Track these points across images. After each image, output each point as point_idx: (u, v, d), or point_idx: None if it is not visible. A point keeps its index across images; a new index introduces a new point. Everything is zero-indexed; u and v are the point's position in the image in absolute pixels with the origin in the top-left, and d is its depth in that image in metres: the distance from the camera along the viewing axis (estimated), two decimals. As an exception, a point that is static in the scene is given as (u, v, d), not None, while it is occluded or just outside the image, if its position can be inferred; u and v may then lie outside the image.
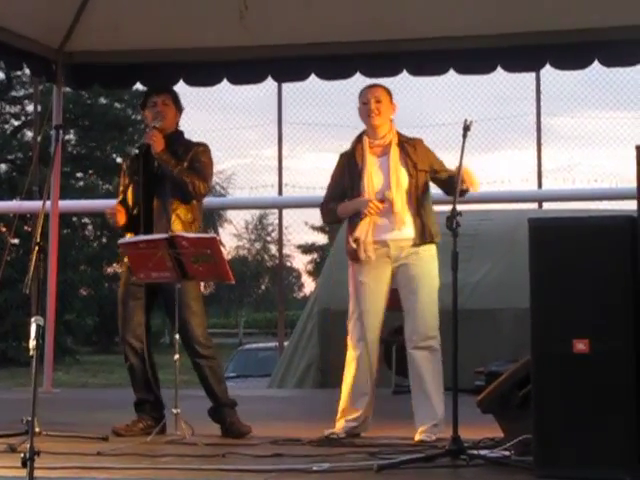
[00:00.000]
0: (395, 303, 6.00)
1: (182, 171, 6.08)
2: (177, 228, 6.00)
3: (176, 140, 6.24)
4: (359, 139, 6.03)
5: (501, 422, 5.22)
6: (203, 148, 6.26)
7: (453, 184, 5.44)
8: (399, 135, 6.01)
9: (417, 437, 5.65)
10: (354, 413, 5.85)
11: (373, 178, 5.91)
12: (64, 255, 21.56)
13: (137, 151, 6.27)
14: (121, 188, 6.38)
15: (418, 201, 5.87)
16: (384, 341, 7.93)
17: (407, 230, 5.86)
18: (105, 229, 32.86)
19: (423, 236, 5.84)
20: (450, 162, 5.91)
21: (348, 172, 5.99)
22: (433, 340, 5.80)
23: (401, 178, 5.86)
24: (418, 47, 8.60)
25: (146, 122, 6.37)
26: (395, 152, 5.92)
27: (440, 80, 11.36)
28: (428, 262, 5.86)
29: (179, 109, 6.33)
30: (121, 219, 6.14)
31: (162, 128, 6.17)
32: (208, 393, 6.16)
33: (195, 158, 6.17)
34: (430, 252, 5.87)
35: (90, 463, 4.86)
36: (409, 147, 5.94)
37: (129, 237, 6.09)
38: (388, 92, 6.06)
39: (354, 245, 5.88)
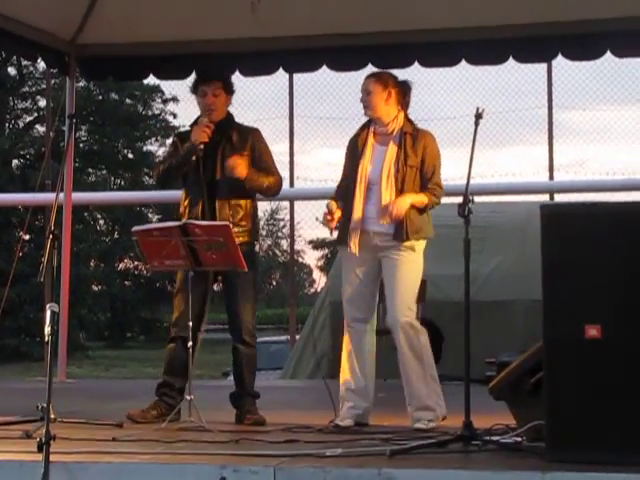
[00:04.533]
0: None
1: (265, 183, 6.19)
2: (237, 218, 6.11)
3: (228, 126, 6.27)
4: (366, 124, 6.01)
5: (513, 409, 5.24)
6: (259, 134, 6.30)
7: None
8: (407, 125, 5.93)
9: (414, 424, 5.69)
10: (352, 400, 5.86)
11: (367, 166, 5.90)
12: (76, 250, 21.66)
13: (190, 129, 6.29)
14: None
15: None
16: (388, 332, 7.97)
17: (390, 224, 5.81)
18: (116, 224, 32.98)
19: (398, 232, 5.78)
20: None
21: (350, 156, 6.01)
22: (410, 318, 5.77)
23: (392, 171, 5.83)
24: (429, 38, 8.63)
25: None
26: (393, 144, 5.90)
27: (450, 73, 11.37)
28: (409, 254, 5.80)
29: (230, 93, 6.33)
30: (205, 137, 6.11)
31: (212, 120, 6.19)
32: (237, 379, 6.25)
33: (257, 148, 6.23)
34: (412, 246, 5.80)
35: (105, 448, 4.89)
36: (409, 139, 5.87)
37: (145, 225, 6.14)
38: (380, 80, 5.92)
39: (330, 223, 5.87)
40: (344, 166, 6.07)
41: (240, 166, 6.09)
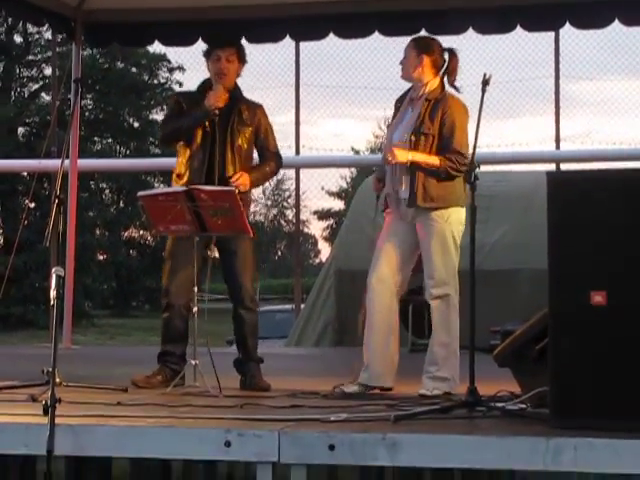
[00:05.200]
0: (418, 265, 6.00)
1: (267, 178, 6.48)
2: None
3: (238, 98, 6.29)
4: (410, 88, 6.00)
5: (517, 376, 5.26)
6: (264, 111, 6.36)
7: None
8: (435, 91, 5.86)
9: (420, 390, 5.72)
10: (365, 362, 5.86)
11: (394, 132, 5.92)
12: (81, 218, 21.66)
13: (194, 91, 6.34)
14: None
15: (415, 164, 5.77)
16: (400, 301, 7.95)
17: (404, 191, 5.83)
18: (122, 193, 32.99)
19: (410, 198, 5.77)
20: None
21: (393, 118, 6.05)
22: (445, 288, 5.77)
23: (405, 137, 5.82)
24: (437, 6, 8.59)
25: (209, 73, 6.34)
26: (416, 110, 5.88)
27: (457, 42, 11.30)
28: (438, 224, 5.77)
29: (243, 62, 6.33)
30: (220, 102, 6.14)
31: (224, 86, 6.20)
32: (240, 345, 6.27)
33: (263, 126, 6.30)
34: (441, 216, 5.78)
35: (110, 412, 4.91)
36: (430, 106, 5.82)
37: (152, 189, 6.17)
38: (416, 45, 5.91)
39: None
40: None
41: (243, 183, 6.12)
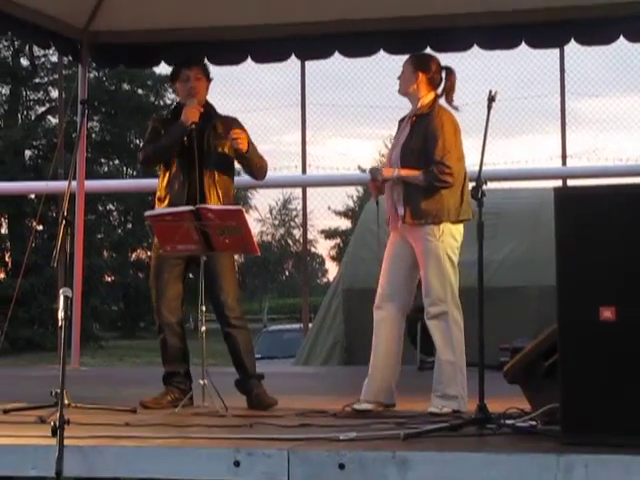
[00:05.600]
0: None
1: (260, 163, 6.31)
2: (224, 202, 6.14)
3: (211, 114, 6.34)
4: None
5: (527, 392, 5.24)
6: (240, 124, 6.37)
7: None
8: (426, 107, 5.85)
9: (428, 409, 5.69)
10: (372, 380, 5.86)
11: (393, 150, 5.95)
12: (89, 240, 21.69)
13: (169, 116, 6.39)
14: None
15: (402, 179, 5.80)
16: (407, 319, 7.96)
17: (400, 208, 5.85)
18: (129, 215, 33.01)
19: (403, 216, 5.77)
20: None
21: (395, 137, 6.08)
22: (442, 306, 5.74)
23: (399, 154, 5.84)
24: (442, 23, 8.60)
25: (178, 94, 6.46)
26: (408, 127, 5.90)
27: (462, 61, 11.33)
28: (431, 241, 5.74)
29: (209, 80, 6.41)
30: (196, 116, 6.18)
31: (199, 103, 6.27)
32: (237, 364, 6.22)
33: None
34: (432, 232, 5.75)
35: (119, 433, 4.89)
36: (418, 122, 5.83)
37: (157, 209, 6.17)
38: (412, 62, 5.92)
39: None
40: None
41: (243, 140, 6.14)
